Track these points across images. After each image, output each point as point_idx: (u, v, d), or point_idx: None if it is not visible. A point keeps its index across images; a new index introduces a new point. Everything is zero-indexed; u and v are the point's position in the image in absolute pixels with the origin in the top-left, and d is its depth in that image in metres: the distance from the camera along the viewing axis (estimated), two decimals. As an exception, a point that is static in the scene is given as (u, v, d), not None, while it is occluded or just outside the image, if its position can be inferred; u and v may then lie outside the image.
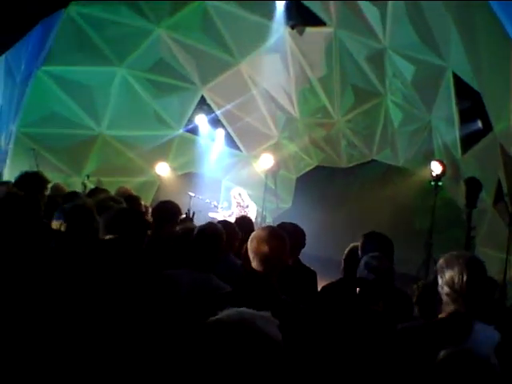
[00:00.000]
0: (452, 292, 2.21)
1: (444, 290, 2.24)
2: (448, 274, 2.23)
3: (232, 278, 2.93)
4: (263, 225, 10.66)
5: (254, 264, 2.55)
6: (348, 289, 3.15)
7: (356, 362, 2.59)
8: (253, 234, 2.63)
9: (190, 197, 10.40)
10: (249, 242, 2.60)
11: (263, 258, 2.52)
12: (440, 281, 2.27)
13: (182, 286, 2.96)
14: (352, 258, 3.64)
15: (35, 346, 2.31)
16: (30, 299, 2.44)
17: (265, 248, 2.52)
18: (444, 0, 7.40)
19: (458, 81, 8.47)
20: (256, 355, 1.30)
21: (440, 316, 2.28)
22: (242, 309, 1.39)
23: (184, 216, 4.89)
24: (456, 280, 2.20)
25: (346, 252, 3.84)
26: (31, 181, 4.08)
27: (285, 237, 2.62)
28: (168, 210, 4.15)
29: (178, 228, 3.84)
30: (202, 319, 1.37)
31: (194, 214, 4.88)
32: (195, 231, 3.28)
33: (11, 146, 10.59)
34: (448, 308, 2.23)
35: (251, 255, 2.56)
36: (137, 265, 2.60)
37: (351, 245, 3.85)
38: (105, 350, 2.32)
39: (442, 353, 1.72)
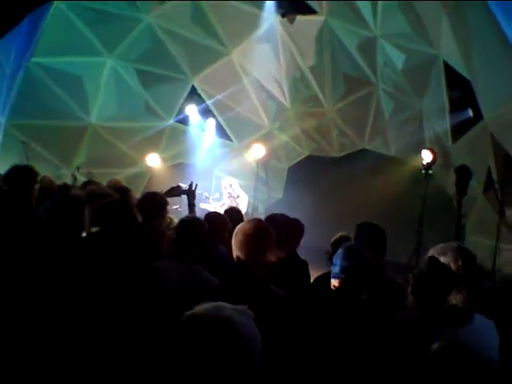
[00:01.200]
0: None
1: None
2: (443, 260, 2.27)
3: (221, 269, 2.94)
4: (254, 215, 10.67)
5: (240, 256, 2.55)
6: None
7: (342, 353, 2.59)
8: (238, 227, 2.64)
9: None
10: (233, 235, 2.60)
11: (247, 251, 2.53)
12: None
13: (168, 277, 2.98)
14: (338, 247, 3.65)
15: (21, 337, 2.30)
16: (17, 294, 2.42)
17: (249, 241, 2.52)
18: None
19: (448, 69, 8.47)
20: (231, 350, 1.30)
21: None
22: (218, 303, 1.39)
23: (187, 187, 4.88)
24: (452, 265, 2.25)
25: (332, 241, 3.84)
26: (21, 174, 4.04)
27: (269, 230, 2.62)
28: (154, 202, 4.13)
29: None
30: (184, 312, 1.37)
31: (196, 185, 4.87)
32: (178, 223, 3.31)
33: (0, 137, 10.51)
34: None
35: (236, 247, 2.56)
36: (122, 257, 2.60)
37: (338, 234, 3.85)
38: (90, 342, 2.32)
39: (434, 346, 1.73)
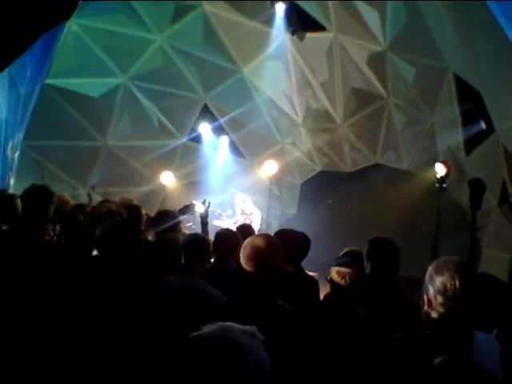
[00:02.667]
0: (446, 300, 2.09)
1: (437, 299, 2.11)
2: (439, 281, 2.11)
3: (231, 285, 2.95)
4: (268, 232, 10.66)
5: (248, 270, 2.56)
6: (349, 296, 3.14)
7: (346, 370, 2.57)
8: (246, 242, 2.64)
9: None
10: (242, 249, 2.61)
11: (255, 265, 2.52)
12: (431, 290, 2.13)
13: (170, 291, 3.03)
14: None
15: (31, 352, 2.33)
16: (32, 311, 2.46)
17: (257, 256, 2.53)
18: (442, 0, 7.40)
19: (459, 82, 8.46)
20: (238, 375, 1.26)
21: (436, 326, 2.15)
22: (226, 324, 1.35)
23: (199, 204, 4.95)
24: (448, 286, 2.08)
25: (339, 256, 3.82)
26: (38, 194, 4.09)
27: (277, 244, 2.63)
28: (167, 219, 4.17)
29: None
30: (192, 330, 1.36)
31: (209, 204, 4.93)
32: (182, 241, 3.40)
33: (17, 158, 10.68)
34: (444, 318, 2.11)
35: (244, 262, 2.57)
36: (129, 278, 2.62)
37: (346, 249, 3.83)
38: (92, 356, 2.34)
39: (437, 360, 1.68)
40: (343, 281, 3.01)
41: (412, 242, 8.28)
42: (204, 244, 3.40)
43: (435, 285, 2.13)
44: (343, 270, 3.05)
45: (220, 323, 1.35)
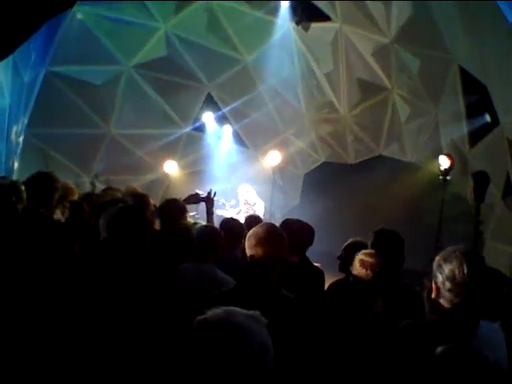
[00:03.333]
0: (454, 286, 2.16)
1: (446, 285, 2.18)
2: (447, 269, 2.18)
3: (237, 274, 2.97)
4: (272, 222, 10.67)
5: (253, 259, 2.57)
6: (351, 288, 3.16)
7: (354, 360, 2.59)
8: (250, 232, 2.65)
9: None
10: (246, 239, 2.62)
11: (260, 255, 2.53)
12: (440, 277, 2.20)
13: (182, 276, 3.07)
14: (351, 252, 3.65)
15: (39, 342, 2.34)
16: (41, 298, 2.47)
17: (261, 245, 2.54)
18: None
19: (464, 74, 8.42)
20: (241, 357, 1.29)
21: (444, 311, 2.21)
22: (230, 308, 1.38)
23: (206, 194, 4.95)
24: (457, 272, 2.15)
25: (345, 246, 3.82)
26: (43, 181, 4.10)
27: (282, 234, 2.64)
28: (173, 208, 4.18)
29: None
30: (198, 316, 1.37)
31: (215, 193, 4.94)
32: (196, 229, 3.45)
33: (21, 142, 10.68)
34: (452, 303, 2.17)
35: (249, 252, 2.58)
36: (135, 263, 2.63)
37: (350, 239, 3.84)
38: (100, 343, 2.35)
39: (439, 349, 1.70)
40: (366, 272, 2.99)
41: (415, 234, 8.28)
42: (217, 237, 3.48)
43: (444, 272, 2.20)
44: (368, 259, 3.04)
45: (224, 307, 1.38)
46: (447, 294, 2.19)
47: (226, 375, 1.28)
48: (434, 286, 2.25)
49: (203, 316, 1.36)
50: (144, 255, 2.83)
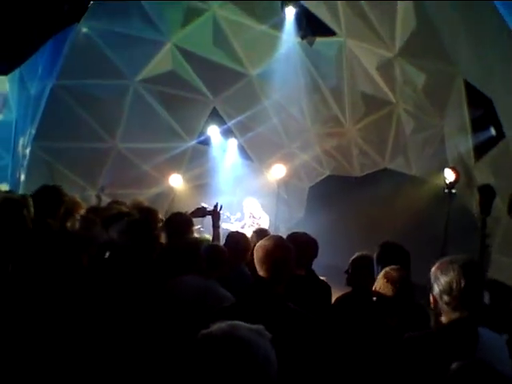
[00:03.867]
0: (451, 299, 2.11)
1: (443, 299, 2.13)
2: (444, 281, 2.12)
3: (242, 288, 2.96)
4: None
5: (260, 273, 2.57)
6: (361, 301, 3.14)
7: (364, 374, 2.57)
8: (258, 244, 2.67)
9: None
10: (254, 252, 2.63)
11: (268, 268, 2.54)
12: (436, 289, 2.15)
13: (183, 290, 3.06)
14: (358, 266, 3.63)
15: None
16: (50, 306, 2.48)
17: (269, 257, 2.55)
18: (453, 0, 7.38)
19: (469, 87, 8.44)
20: (244, 370, 1.29)
21: (442, 324, 2.17)
22: (234, 322, 1.38)
23: (212, 208, 4.94)
24: (454, 286, 2.10)
25: (352, 260, 3.81)
26: (49, 194, 4.11)
27: (289, 247, 2.65)
28: (180, 222, 4.19)
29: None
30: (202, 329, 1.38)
31: (221, 206, 4.94)
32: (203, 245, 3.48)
33: (28, 154, 10.74)
34: (449, 316, 2.13)
35: (257, 264, 2.59)
36: (142, 275, 2.64)
37: (357, 253, 3.82)
38: (104, 360, 2.35)
39: (454, 365, 1.68)
40: (391, 288, 2.95)
41: (420, 247, 8.24)
42: (222, 256, 3.52)
43: (440, 284, 2.15)
44: (394, 273, 2.99)
45: (229, 322, 1.38)
46: (444, 307, 2.14)
47: None
48: (431, 297, 2.21)
49: (208, 330, 1.36)
50: (150, 268, 2.84)
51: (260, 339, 1.35)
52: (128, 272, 2.70)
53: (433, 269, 2.22)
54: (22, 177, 10.73)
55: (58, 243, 2.85)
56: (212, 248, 3.59)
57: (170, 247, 3.54)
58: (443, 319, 2.16)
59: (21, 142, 11.40)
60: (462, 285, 2.09)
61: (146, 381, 2.55)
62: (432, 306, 2.22)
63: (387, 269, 3.05)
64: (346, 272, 3.81)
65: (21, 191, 9.27)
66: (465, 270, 2.11)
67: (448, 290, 2.11)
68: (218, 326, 1.36)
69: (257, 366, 1.30)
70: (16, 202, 3.01)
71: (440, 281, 2.14)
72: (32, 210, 3.52)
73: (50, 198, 4.01)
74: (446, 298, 2.12)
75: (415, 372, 2.06)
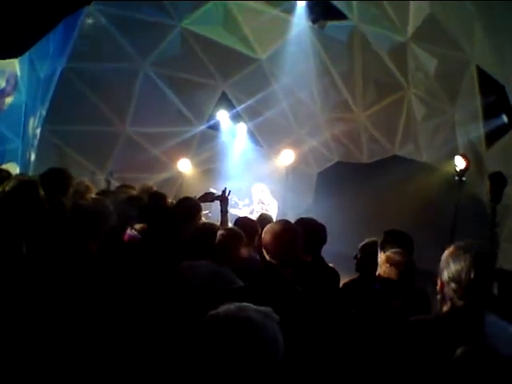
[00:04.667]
0: (459, 288, 2.08)
1: (450, 285, 2.10)
2: (454, 269, 2.08)
3: (249, 272, 2.96)
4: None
5: (268, 256, 2.58)
6: (368, 285, 3.14)
7: (371, 359, 2.58)
8: (266, 228, 2.66)
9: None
10: (262, 235, 2.63)
11: (276, 251, 2.55)
12: (445, 275, 2.11)
13: (196, 275, 3.07)
14: (367, 252, 3.63)
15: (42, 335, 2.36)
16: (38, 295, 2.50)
17: (277, 241, 2.55)
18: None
19: (482, 74, 8.34)
20: (251, 351, 1.29)
21: (448, 309, 2.15)
22: (242, 304, 1.39)
23: (220, 193, 4.91)
24: (463, 276, 2.06)
25: (361, 246, 3.81)
26: (56, 177, 4.11)
27: (298, 231, 2.65)
28: (189, 207, 4.18)
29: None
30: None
31: (230, 192, 4.90)
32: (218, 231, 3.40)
33: (39, 133, 10.77)
34: (455, 303, 2.11)
35: (265, 248, 2.59)
36: (158, 257, 2.65)
37: (366, 240, 3.82)
38: (112, 341, 2.37)
39: (459, 350, 1.67)
40: (395, 271, 2.96)
41: (430, 234, 8.22)
42: (237, 241, 3.38)
43: (450, 272, 2.11)
44: (397, 257, 3.00)
45: (237, 303, 1.39)
46: (451, 294, 2.12)
47: (237, 370, 1.28)
48: (439, 281, 2.18)
49: (215, 311, 1.37)
50: (166, 252, 2.85)
51: (268, 321, 1.35)
52: (144, 257, 2.72)
53: (445, 253, 2.18)
54: (33, 157, 10.77)
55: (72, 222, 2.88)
56: (229, 232, 3.45)
57: (182, 232, 3.52)
58: (448, 305, 2.14)
59: (31, 122, 11.43)
60: (472, 276, 2.05)
61: (154, 364, 2.58)
62: (438, 290, 2.20)
63: (389, 253, 3.06)
64: (355, 257, 3.82)
65: (31, 173, 9.32)
66: (476, 261, 2.07)
67: (457, 278, 2.08)
68: (225, 308, 1.37)
69: (264, 348, 1.31)
70: (32, 183, 3.02)
71: (450, 268, 2.11)
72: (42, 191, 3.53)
73: (58, 179, 4.01)
74: (453, 285, 2.10)
75: (419, 355, 2.06)
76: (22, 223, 2.75)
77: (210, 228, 3.61)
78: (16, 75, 11.96)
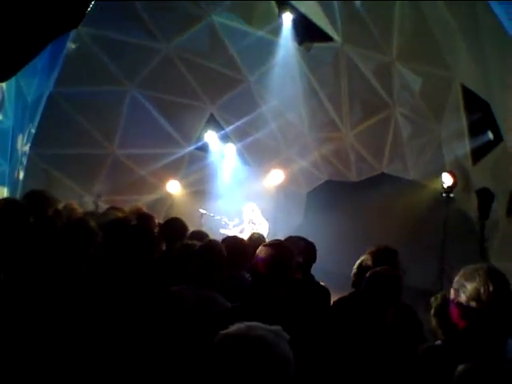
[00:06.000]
0: (479, 305, 2.05)
1: (470, 304, 2.07)
2: (471, 287, 2.07)
3: (239, 292, 2.94)
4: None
5: (261, 276, 2.57)
6: (359, 303, 3.13)
7: (365, 378, 2.56)
8: (260, 248, 2.68)
9: (201, 214, 10.41)
10: (256, 255, 2.64)
11: (268, 269, 2.55)
12: (463, 297, 2.09)
13: (186, 303, 2.99)
14: (363, 270, 3.63)
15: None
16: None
17: (269, 261, 2.55)
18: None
19: (466, 92, 8.47)
20: (264, 371, 1.28)
21: (470, 335, 2.11)
22: (252, 323, 1.38)
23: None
24: (482, 291, 2.04)
25: (356, 265, 3.82)
26: (36, 199, 4.11)
27: (292, 251, 2.66)
28: (175, 228, 4.17)
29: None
30: (205, 334, 1.37)
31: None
32: (196, 248, 3.34)
33: (24, 165, 10.72)
34: (477, 323, 2.07)
35: (258, 268, 2.60)
36: (141, 282, 2.62)
37: (361, 258, 3.83)
38: (108, 365, 2.33)
39: (459, 368, 1.65)
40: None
41: (419, 251, 8.24)
42: (219, 252, 3.30)
43: (467, 291, 2.09)
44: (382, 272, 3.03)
45: (246, 322, 1.38)
46: (472, 314, 2.08)
47: None
48: (455, 308, 2.15)
49: (225, 330, 1.36)
50: (150, 273, 2.82)
51: (279, 339, 1.35)
52: (127, 278, 2.68)
53: (456, 278, 2.17)
54: (21, 175, 10.70)
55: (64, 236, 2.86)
56: (206, 247, 3.33)
57: (167, 253, 3.49)
58: (469, 326, 2.10)
59: (19, 140, 11.37)
60: (491, 289, 2.04)
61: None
62: (456, 314, 2.16)
63: (376, 269, 3.07)
64: (355, 277, 3.82)
65: (19, 195, 9.27)
66: (491, 276, 2.07)
67: (476, 295, 2.06)
68: (236, 327, 1.36)
69: (278, 367, 1.30)
70: (23, 207, 3.03)
71: (466, 287, 2.09)
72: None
73: (37, 202, 4.01)
74: (474, 303, 2.06)
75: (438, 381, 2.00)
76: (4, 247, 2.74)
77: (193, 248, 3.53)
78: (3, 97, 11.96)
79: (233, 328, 1.36)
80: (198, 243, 3.55)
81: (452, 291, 2.18)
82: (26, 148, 10.82)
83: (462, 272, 2.16)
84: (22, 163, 10.94)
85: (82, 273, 2.86)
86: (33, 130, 10.59)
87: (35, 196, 4.17)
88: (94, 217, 5.02)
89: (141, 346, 2.52)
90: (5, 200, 3.59)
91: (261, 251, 2.64)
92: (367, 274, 3.02)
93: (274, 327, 1.38)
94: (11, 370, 2.33)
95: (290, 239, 3.75)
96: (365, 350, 2.65)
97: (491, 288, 2.04)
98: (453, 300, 2.15)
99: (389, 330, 2.73)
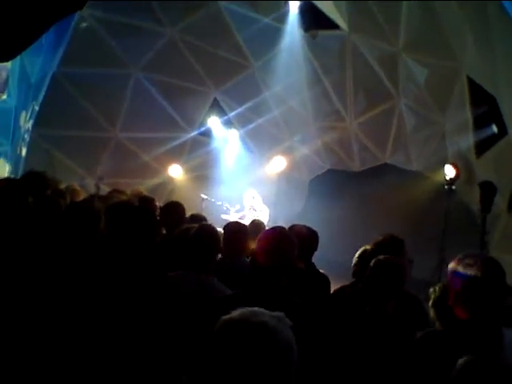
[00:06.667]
0: (473, 295, 2.08)
1: (464, 294, 2.10)
2: (466, 276, 2.11)
3: (239, 277, 2.94)
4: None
5: (262, 263, 2.54)
6: (360, 291, 3.14)
7: (366, 366, 2.56)
8: (260, 235, 2.63)
9: (203, 199, 10.41)
10: (256, 242, 2.59)
11: (272, 259, 2.50)
12: (457, 285, 2.13)
13: (185, 288, 2.98)
14: (364, 260, 3.64)
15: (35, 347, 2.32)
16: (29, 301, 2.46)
17: (274, 248, 2.51)
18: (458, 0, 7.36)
19: (472, 84, 8.42)
20: (266, 357, 1.27)
21: (462, 321, 2.13)
22: (254, 308, 1.37)
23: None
24: (475, 281, 2.08)
25: (357, 254, 3.82)
26: (34, 180, 4.11)
27: (292, 238, 2.61)
28: (174, 212, 4.16)
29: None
30: (206, 320, 1.36)
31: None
32: (192, 232, 3.30)
33: (27, 146, 10.70)
34: (471, 312, 2.09)
35: (259, 255, 2.55)
36: (141, 265, 2.61)
37: (363, 247, 3.83)
38: (107, 352, 2.34)
39: (460, 361, 1.65)
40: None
41: (419, 242, 8.24)
42: (214, 236, 3.27)
43: (462, 280, 2.12)
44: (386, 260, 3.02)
45: (249, 308, 1.37)
46: (465, 303, 2.10)
47: (254, 375, 1.26)
48: (450, 293, 2.18)
49: (228, 315, 1.35)
50: (151, 258, 2.81)
51: (282, 326, 1.34)
52: (126, 260, 2.68)
53: (451, 264, 2.20)
54: (22, 165, 10.69)
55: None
56: (200, 232, 3.24)
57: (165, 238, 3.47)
58: (464, 315, 2.11)
59: (20, 130, 11.36)
60: (485, 279, 2.07)
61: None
62: (450, 302, 2.18)
63: (380, 257, 3.06)
64: (356, 266, 3.82)
65: (20, 173, 9.28)
66: (487, 266, 2.11)
67: (470, 285, 2.10)
68: (238, 312, 1.35)
69: (280, 353, 1.29)
70: (20, 187, 3.03)
71: (462, 276, 2.13)
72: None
73: (35, 183, 4.01)
74: (467, 293, 2.09)
75: (434, 368, 2.00)
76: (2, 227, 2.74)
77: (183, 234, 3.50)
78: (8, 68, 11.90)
79: (235, 313, 1.35)
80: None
81: (452, 263, 2.20)
82: (29, 125, 10.80)
83: (456, 259, 2.21)
84: (24, 140, 10.92)
85: (87, 255, 2.86)
86: (36, 107, 10.55)
87: (34, 176, 4.16)
88: (99, 199, 5.04)
89: (141, 332, 2.52)
90: (3, 180, 3.58)
91: (261, 238, 2.58)
92: (371, 263, 3.01)
93: (277, 313, 1.37)
94: (12, 346, 2.33)
95: (292, 227, 3.74)
96: (366, 338, 2.66)
97: (485, 279, 2.07)
98: (453, 272, 2.15)
99: (390, 319, 2.73)
